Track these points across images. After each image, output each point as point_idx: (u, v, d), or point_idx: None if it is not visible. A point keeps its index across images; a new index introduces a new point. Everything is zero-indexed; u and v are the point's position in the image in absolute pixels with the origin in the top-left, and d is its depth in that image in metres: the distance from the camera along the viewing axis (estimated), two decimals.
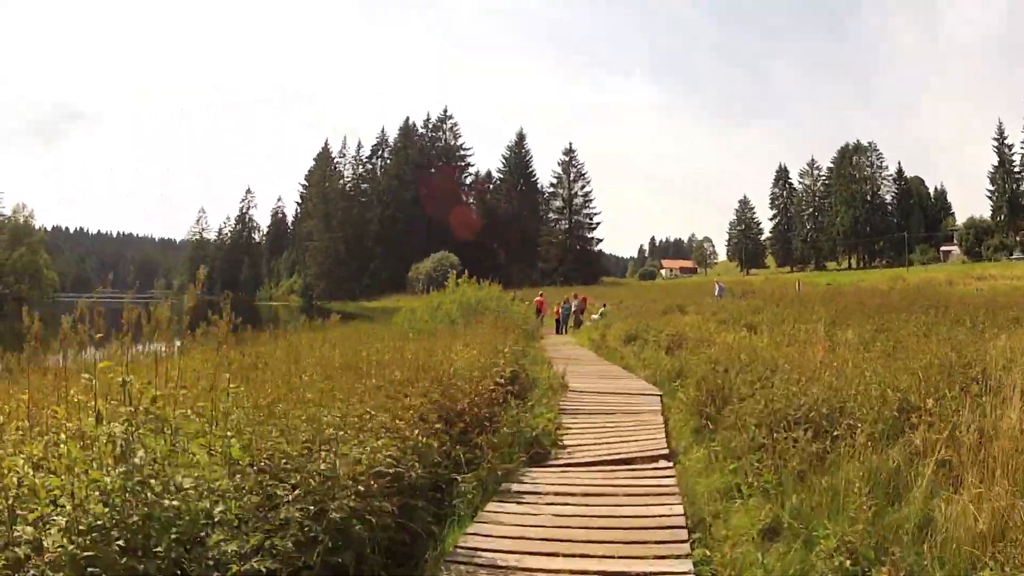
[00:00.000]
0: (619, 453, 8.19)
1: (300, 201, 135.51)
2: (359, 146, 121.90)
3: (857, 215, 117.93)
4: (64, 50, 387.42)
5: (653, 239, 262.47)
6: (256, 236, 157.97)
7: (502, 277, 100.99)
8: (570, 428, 9.39)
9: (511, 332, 17.88)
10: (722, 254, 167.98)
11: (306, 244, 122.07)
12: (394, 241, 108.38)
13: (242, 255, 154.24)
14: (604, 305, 35.47)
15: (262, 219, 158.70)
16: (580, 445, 8.60)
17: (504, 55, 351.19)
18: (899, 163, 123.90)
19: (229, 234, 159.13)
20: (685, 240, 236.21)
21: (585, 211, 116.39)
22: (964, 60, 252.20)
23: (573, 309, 33.04)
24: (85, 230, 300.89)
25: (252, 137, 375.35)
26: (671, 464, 7.68)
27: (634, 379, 14.35)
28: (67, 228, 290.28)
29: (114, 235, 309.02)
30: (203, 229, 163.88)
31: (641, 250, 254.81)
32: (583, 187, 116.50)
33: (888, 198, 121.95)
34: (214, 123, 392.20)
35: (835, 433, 6.42)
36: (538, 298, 37.53)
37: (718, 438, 7.68)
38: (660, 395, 11.98)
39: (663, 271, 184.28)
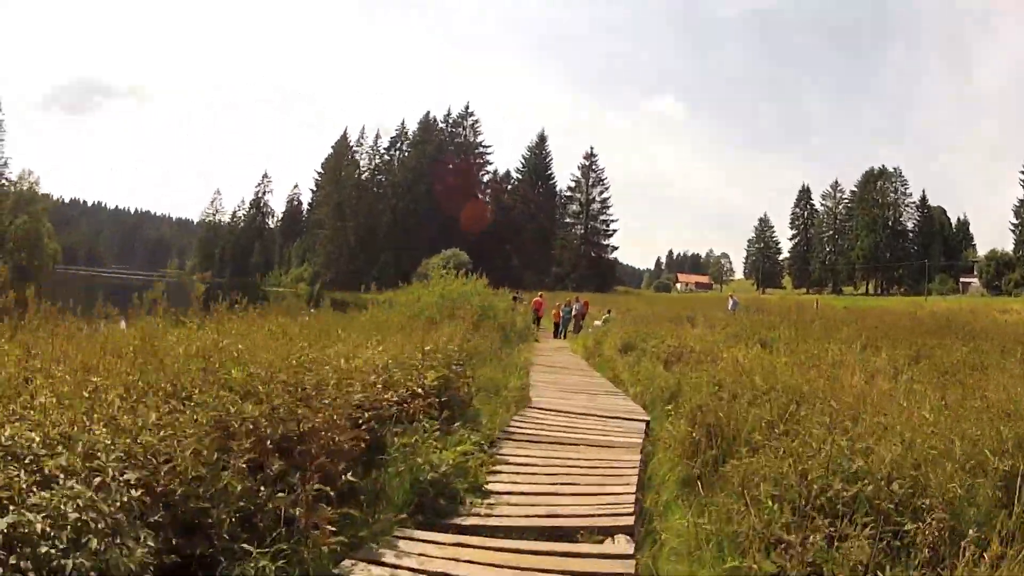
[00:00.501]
0: (559, 515, 5.48)
1: (315, 188, 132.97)
2: (377, 136, 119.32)
3: (878, 240, 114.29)
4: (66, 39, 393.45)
5: (671, 252, 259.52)
6: (270, 222, 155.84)
7: (514, 279, 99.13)
8: (506, 463, 6.74)
9: (480, 329, 15.36)
10: (739, 271, 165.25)
11: (317, 232, 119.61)
12: (406, 235, 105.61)
13: (254, 240, 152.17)
14: (608, 311, 32.64)
15: (278, 206, 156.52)
16: (510, 494, 5.93)
17: (504, 55, 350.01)
18: (923, 191, 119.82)
19: (242, 218, 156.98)
20: (703, 255, 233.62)
21: (602, 217, 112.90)
22: (993, 100, 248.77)
23: (573, 313, 30.28)
24: (103, 204, 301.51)
25: (252, 137, 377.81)
26: (632, 550, 4.86)
27: (620, 397, 11.74)
28: (85, 201, 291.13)
29: (132, 211, 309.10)
30: (216, 211, 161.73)
31: (658, 262, 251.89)
32: (601, 193, 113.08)
33: (910, 225, 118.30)
34: (214, 123, 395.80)
35: (906, 526, 3.73)
36: (536, 299, 34.87)
37: (713, 509, 4.90)
38: (647, 421, 9.37)
39: (678, 285, 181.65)
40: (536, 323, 32.47)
